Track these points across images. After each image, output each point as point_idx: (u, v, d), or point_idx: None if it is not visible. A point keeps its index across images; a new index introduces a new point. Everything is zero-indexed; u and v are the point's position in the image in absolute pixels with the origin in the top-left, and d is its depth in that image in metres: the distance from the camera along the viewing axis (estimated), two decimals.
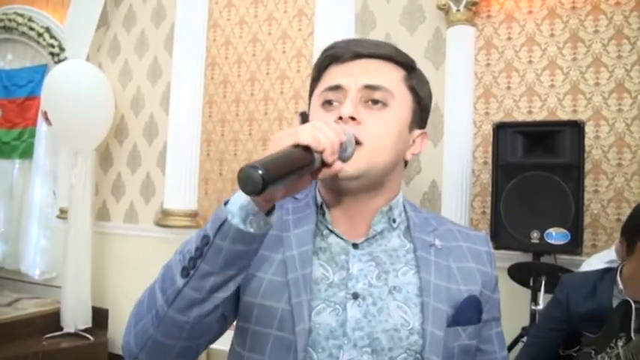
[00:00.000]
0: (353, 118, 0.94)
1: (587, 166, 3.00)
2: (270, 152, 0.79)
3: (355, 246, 0.99)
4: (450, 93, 3.36)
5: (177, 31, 4.26)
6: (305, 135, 0.81)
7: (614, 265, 2.00)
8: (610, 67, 3.08)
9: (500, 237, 2.88)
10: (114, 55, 4.80)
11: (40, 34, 4.97)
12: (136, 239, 4.50)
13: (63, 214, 4.71)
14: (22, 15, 5.14)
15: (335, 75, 1.00)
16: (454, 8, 3.32)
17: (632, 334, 1.69)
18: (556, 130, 2.87)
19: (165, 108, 4.40)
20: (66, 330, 4.30)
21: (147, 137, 4.59)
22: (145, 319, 0.89)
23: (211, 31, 4.30)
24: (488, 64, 3.37)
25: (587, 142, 2.91)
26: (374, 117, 0.96)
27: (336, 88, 0.98)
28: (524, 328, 2.80)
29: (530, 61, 3.26)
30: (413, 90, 1.02)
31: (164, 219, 4.11)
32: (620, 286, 1.84)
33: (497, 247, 2.92)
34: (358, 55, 0.99)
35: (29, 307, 4.58)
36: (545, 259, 2.89)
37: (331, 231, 1.00)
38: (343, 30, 3.69)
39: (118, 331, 4.31)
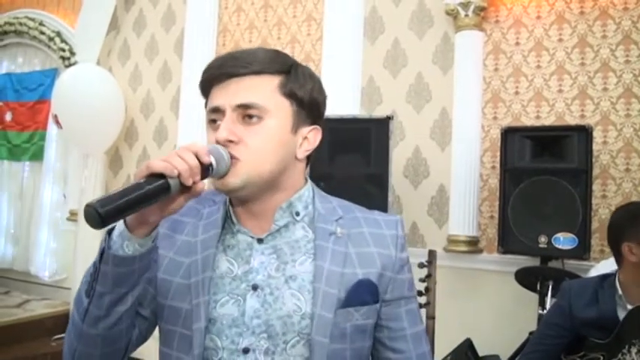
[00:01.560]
0: (230, 140, 1.00)
1: (595, 171, 3.00)
2: (125, 185, 0.87)
3: (260, 241, 1.07)
4: (458, 98, 3.37)
5: (187, 35, 4.30)
6: (157, 164, 0.88)
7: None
8: (618, 72, 3.09)
9: (507, 241, 2.89)
10: (124, 59, 4.84)
11: (50, 39, 5.02)
12: None
13: (73, 216, 4.76)
14: (33, 19, 5.19)
15: (214, 96, 1.06)
16: (462, 13, 3.34)
17: None
18: (564, 134, 2.87)
19: (175, 112, 4.43)
20: None
21: (157, 140, 4.62)
22: (71, 333, 1.03)
23: (221, 35, 4.34)
24: (496, 69, 3.38)
25: (595, 147, 2.91)
26: (251, 132, 1.02)
27: (216, 109, 1.04)
28: (531, 333, 2.80)
29: (539, 66, 3.27)
30: (290, 95, 1.06)
31: None
32: (620, 291, 1.86)
33: (504, 252, 2.93)
34: (231, 75, 1.04)
35: (39, 308, 4.62)
36: (553, 264, 2.89)
37: (239, 230, 1.09)
38: (352, 34, 3.73)
39: None
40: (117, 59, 4.88)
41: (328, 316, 1.02)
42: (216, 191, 1.08)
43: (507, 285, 3.02)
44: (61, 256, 5.02)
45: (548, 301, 2.57)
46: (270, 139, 1.03)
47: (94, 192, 4.46)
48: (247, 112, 1.02)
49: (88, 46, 4.67)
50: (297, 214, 1.09)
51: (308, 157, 1.13)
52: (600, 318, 1.82)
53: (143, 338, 1.10)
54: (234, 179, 1.00)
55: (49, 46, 5.08)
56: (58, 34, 5.01)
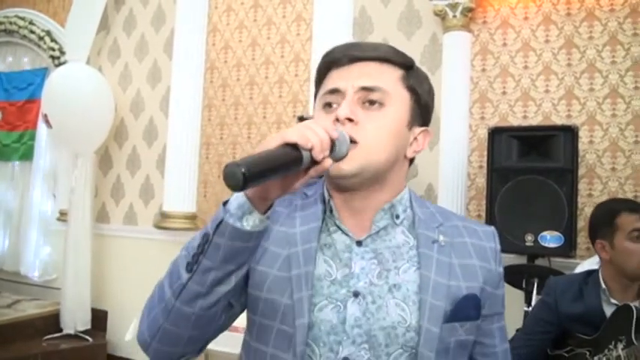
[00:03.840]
0: (350, 120, 0.98)
1: (582, 170, 3.04)
2: (257, 151, 0.84)
3: (359, 243, 1.02)
4: (445, 98, 3.39)
5: (177, 35, 4.29)
6: (292, 134, 0.86)
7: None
8: (604, 72, 3.12)
9: None
10: (114, 58, 4.84)
11: (40, 38, 5.01)
12: (135, 241, 4.54)
13: (63, 216, 4.74)
14: (23, 18, 5.17)
15: (334, 79, 1.04)
16: (450, 14, 3.36)
17: (633, 338, 1.73)
18: (550, 134, 2.91)
19: (164, 111, 4.43)
20: (65, 331, 4.33)
21: (146, 140, 4.62)
22: (155, 311, 0.96)
23: (211, 35, 4.34)
24: (484, 70, 3.41)
25: (581, 146, 2.95)
26: (370, 117, 1.00)
27: (335, 91, 1.02)
28: (518, 330, 2.83)
29: (526, 67, 3.30)
30: (411, 89, 1.05)
31: (163, 221, 4.14)
32: (603, 286, 1.91)
33: None
34: (356, 59, 1.03)
35: (29, 308, 4.60)
36: (540, 262, 2.92)
37: (338, 227, 1.04)
38: (341, 34, 3.73)
39: (117, 332, 4.33)
40: (107, 59, 4.87)
41: (435, 330, 0.97)
42: (307, 186, 1.05)
43: None
44: (51, 256, 5.01)
45: (534, 299, 2.60)
46: (389, 127, 1.01)
47: (84, 192, 4.46)
48: (369, 97, 1.01)
49: (77, 45, 4.66)
50: (397, 217, 1.06)
51: (410, 162, 1.11)
52: (586, 313, 1.86)
53: (225, 327, 1.04)
54: (350, 163, 0.97)
55: (38, 46, 5.07)
56: (48, 33, 4.99)
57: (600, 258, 1.97)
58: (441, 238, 1.04)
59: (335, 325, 0.97)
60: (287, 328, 0.97)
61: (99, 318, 4.47)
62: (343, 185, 1.02)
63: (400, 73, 1.05)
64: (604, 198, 3.05)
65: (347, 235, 1.03)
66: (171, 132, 4.23)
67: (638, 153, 3.04)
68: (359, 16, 3.78)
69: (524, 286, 2.73)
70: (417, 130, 1.07)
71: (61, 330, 4.35)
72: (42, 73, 5.11)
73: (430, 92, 1.10)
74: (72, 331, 4.32)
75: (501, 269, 1.09)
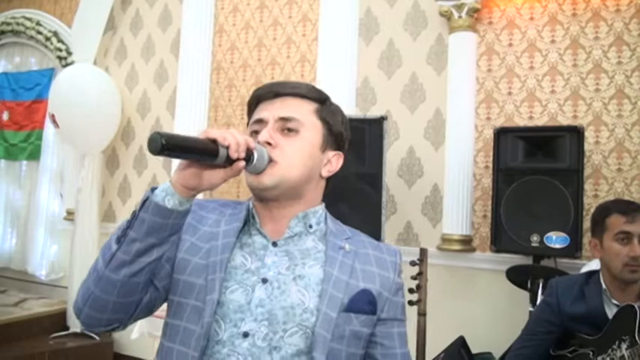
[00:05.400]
0: (269, 143, 1.16)
1: (587, 170, 3.04)
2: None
3: (274, 244, 1.19)
4: (451, 98, 3.41)
5: (184, 35, 4.31)
6: (215, 132, 1.03)
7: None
8: (610, 73, 3.12)
9: (500, 240, 2.92)
10: (121, 59, 4.87)
11: (47, 38, 5.05)
12: None
13: (70, 215, 4.78)
14: (30, 19, 5.21)
15: (260, 111, 1.23)
16: (456, 15, 3.37)
17: (637, 338, 1.73)
18: (556, 135, 2.91)
19: (171, 111, 4.45)
20: (72, 330, 4.37)
21: None
22: (89, 281, 1.10)
23: (217, 36, 4.36)
24: (489, 70, 3.41)
25: (587, 147, 2.95)
26: (287, 141, 1.18)
27: (260, 121, 1.21)
28: None
29: (532, 67, 3.30)
30: (323, 119, 1.24)
31: None
32: (604, 286, 1.93)
33: (497, 251, 2.96)
34: (278, 94, 1.23)
35: (36, 307, 4.64)
36: (545, 262, 2.92)
37: (259, 231, 1.20)
38: (347, 35, 3.75)
39: (123, 331, 4.34)
40: (113, 59, 4.90)
41: (332, 314, 1.12)
42: (237, 201, 1.28)
43: (500, 283, 3.06)
44: (58, 255, 5.04)
45: (539, 299, 2.61)
46: (303, 149, 1.19)
47: (91, 191, 4.49)
48: (287, 125, 1.19)
49: (84, 45, 4.68)
50: (310, 226, 1.22)
51: (328, 181, 1.28)
52: (588, 314, 1.87)
53: (151, 307, 1.18)
54: (269, 178, 1.14)
55: (45, 46, 5.10)
56: (55, 33, 5.03)
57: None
58: (347, 246, 1.21)
59: (242, 305, 1.12)
60: (199, 304, 1.12)
61: None
62: (264, 196, 1.19)
63: (315, 107, 1.23)
64: (610, 199, 3.05)
65: (265, 237, 1.20)
66: (178, 132, 4.24)
67: None
68: (365, 17, 3.79)
69: (529, 286, 2.73)
70: (331, 153, 1.25)
71: (67, 328, 4.39)
72: (49, 74, 5.15)
73: (343, 122, 1.28)
74: (79, 330, 4.34)
75: (400, 280, 1.25)
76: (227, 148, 1.02)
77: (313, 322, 1.10)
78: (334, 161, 1.25)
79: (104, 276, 1.07)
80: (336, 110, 1.28)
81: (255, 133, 1.21)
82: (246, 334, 1.10)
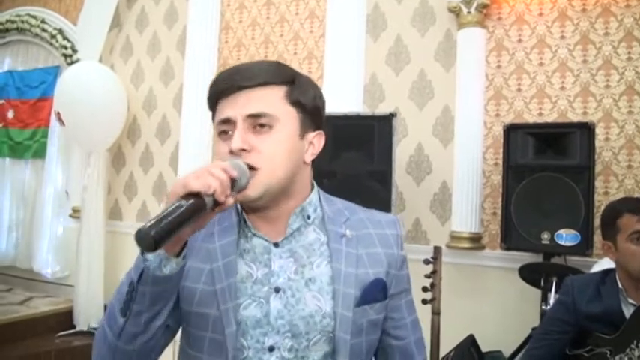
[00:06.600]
0: (244, 149, 1.05)
1: (598, 167, 3.01)
2: (164, 205, 0.93)
3: (276, 245, 1.13)
4: (460, 95, 3.39)
5: (190, 32, 4.30)
6: (195, 183, 0.93)
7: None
8: (620, 69, 3.10)
9: (510, 238, 2.90)
10: (126, 56, 4.85)
11: (53, 36, 5.03)
12: None
13: (76, 213, 4.77)
14: (35, 17, 5.20)
15: (224, 108, 1.10)
16: (465, 10, 3.35)
17: None
18: (566, 132, 2.89)
19: (177, 109, 4.44)
20: (78, 328, 4.36)
21: (159, 138, 4.63)
22: (103, 351, 1.06)
23: (223, 33, 4.34)
24: (499, 66, 3.39)
25: (597, 143, 2.93)
26: (263, 140, 1.07)
27: (227, 120, 1.09)
28: (533, 329, 2.81)
29: (541, 63, 3.28)
30: (296, 102, 1.11)
31: None
32: (620, 285, 1.90)
33: (507, 248, 2.95)
34: (240, 87, 1.08)
35: (42, 305, 4.63)
36: (556, 260, 2.90)
37: (254, 234, 1.14)
38: (354, 31, 3.73)
39: None
40: (119, 56, 4.88)
41: (348, 314, 1.09)
42: None
43: (510, 281, 3.04)
44: (64, 253, 5.03)
45: (552, 297, 2.59)
46: (282, 145, 1.09)
47: (97, 189, 4.48)
48: (258, 122, 1.07)
49: (90, 43, 4.68)
50: (309, 217, 1.16)
51: (313, 162, 1.19)
52: (605, 313, 1.85)
53: (164, 346, 1.14)
54: (254, 190, 1.06)
55: (51, 44, 5.09)
56: (60, 31, 5.01)
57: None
58: (348, 232, 1.16)
59: (259, 319, 1.08)
60: (218, 336, 1.08)
61: None
62: (253, 207, 1.12)
63: (284, 91, 1.11)
64: (620, 196, 3.02)
65: (264, 239, 1.13)
66: (184, 129, 4.24)
67: None
68: (372, 13, 3.77)
69: (542, 284, 2.71)
70: (311, 135, 1.15)
71: (74, 327, 4.38)
72: (54, 72, 5.14)
73: (316, 97, 1.16)
74: (85, 328, 4.34)
75: (403, 252, 1.22)
76: (213, 195, 0.95)
77: (333, 326, 1.09)
78: (316, 142, 1.16)
79: (118, 348, 1.03)
80: (306, 84, 1.16)
81: (224, 134, 1.10)
82: (271, 348, 1.08)
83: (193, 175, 0.94)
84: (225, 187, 0.96)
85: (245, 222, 1.15)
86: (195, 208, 0.93)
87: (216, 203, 0.96)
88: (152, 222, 0.88)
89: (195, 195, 0.93)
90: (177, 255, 1.00)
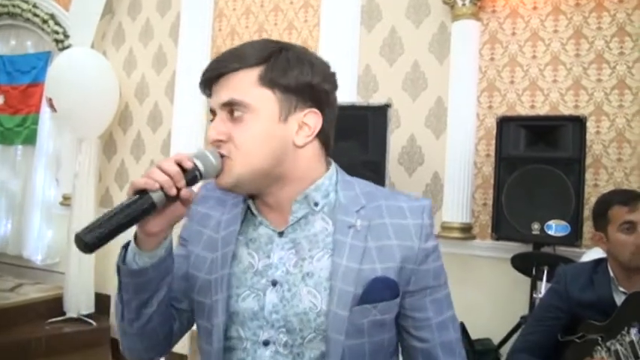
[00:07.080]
0: (219, 140, 1.03)
1: (588, 160, 3.04)
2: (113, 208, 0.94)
3: (280, 234, 1.09)
4: (453, 86, 3.40)
5: (183, 20, 4.29)
6: (140, 180, 0.94)
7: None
8: (612, 63, 3.13)
9: (501, 228, 2.95)
10: (119, 43, 4.83)
11: (44, 21, 4.97)
12: None
13: (66, 200, 4.75)
14: (26, 1, 5.13)
15: (211, 97, 1.08)
16: (459, 3, 3.36)
17: None
18: (558, 124, 2.93)
19: (169, 97, 4.43)
20: (69, 315, 4.36)
21: (151, 125, 4.62)
22: (119, 331, 1.15)
23: (217, 20, 4.33)
24: (492, 59, 3.41)
25: (588, 136, 2.96)
26: (237, 129, 1.02)
27: (212, 111, 1.08)
28: (522, 317, 2.86)
29: (534, 57, 3.31)
30: (272, 84, 1.03)
31: None
32: (612, 274, 1.95)
33: (498, 238, 2.99)
34: (221, 75, 1.05)
35: (31, 292, 4.63)
36: (545, 250, 2.95)
37: (262, 222, 1.11)
38: (349, 21, 3.74)
39: None
40: (111, 43, 4.86)
41: (343, 313, 1.02)
42: None
43: (500, 271, 3.08)
44: (54, 240, 5.02)
45: (543, 286, 2.63)
46: (257, 133, 1.02)
47: (88, 176, 4.47)
48: (233, 110, 1.03)
49: (82, 29, 4.65)
50: (316, 204, 1.08)
51: (324, 142, 1.11)
52: (597, 301, 1.90)
53: (186, 328, 1.21)
54: (225, 178, 1.03)
55: (42, 29, 5.03)
56: (52, 16, 4.96)
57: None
58: (359, 222, 1.06)
59: (256, 312, 1.06)
60: (209, 326, 1.09)
61: (102, 302, 4.48)
62: (240, 194, 1.10)
63: (257, 73, 1.03)
64: (609, 188, 3.06)
65: (269, 228, 1.10)
66: (176, 117, 4.24)
67: None
68: (367, 4, 3.77)
69: (533, 273, 2.75)
70: (300, 115, 1.05)
71: (64, 313, 4.38)
72: (45, 57, 5.09)
73: (303, 71, 1.05)
74: (75, 315, 4.34)
75: (429, 244, 1.09)
76: (162, 189, 0.94)
77: (327, 325, 1.03)
78: (310, 121, 1.06)
79: (125, 330, 1.12)
80: (290, 60, 1.05)
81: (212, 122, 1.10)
82: (266, 342, 1.06)
83: (147, 172, 0.96)
84: (175, 180, 0.95)
85: (251, 210, 1.12)
86: (138, 208, 0.93)
87: (173, 196, 0.95)
88: (91, 225, 0.90)
89: (144, 192, 0.93)
90: (157, 248, 1.03)
